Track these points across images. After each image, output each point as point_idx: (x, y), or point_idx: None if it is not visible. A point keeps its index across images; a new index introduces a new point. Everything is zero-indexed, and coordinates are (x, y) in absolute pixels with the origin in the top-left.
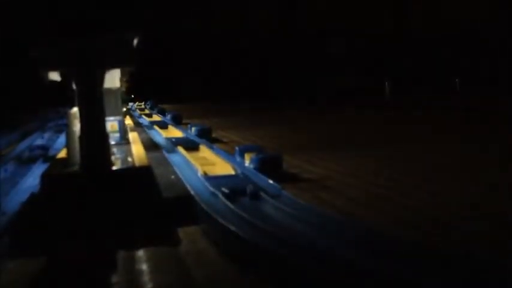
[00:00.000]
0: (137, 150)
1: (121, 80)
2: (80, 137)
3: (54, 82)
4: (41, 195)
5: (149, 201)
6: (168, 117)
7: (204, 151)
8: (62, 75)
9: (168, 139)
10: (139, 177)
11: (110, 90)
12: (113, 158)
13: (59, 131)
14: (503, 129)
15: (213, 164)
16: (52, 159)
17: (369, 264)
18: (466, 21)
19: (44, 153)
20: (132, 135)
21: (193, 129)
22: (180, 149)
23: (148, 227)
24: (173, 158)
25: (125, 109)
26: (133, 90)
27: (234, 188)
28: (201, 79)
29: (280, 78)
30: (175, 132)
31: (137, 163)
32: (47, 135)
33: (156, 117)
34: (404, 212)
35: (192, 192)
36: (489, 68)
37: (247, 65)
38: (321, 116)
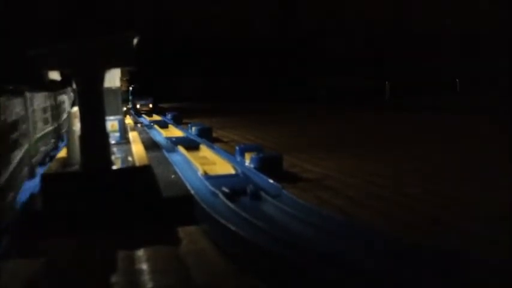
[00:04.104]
0: (137, 150)
1: (121, 80)
2: (80, 137)
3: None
4: (41, 194)
5: (149, 201)
6: (169, 116)
7: (205, 150)
8: (62, 74)
9: (168, 138)
10: (139, 177)
11: (110, 89)
12: (113, 157)
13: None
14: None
15: (213, 164)
16: (52, 159)
17: (369, 265)
18: (466, 21)
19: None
20: (132, 135)
21: (193, 128)
22: (181, 148)
23: (148, 227)
24: (173, 158)
25: (125, 108)
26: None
27: (234, 187)
28: (201, 79)
29: (279, 79)
30: (175, 132)
31: (137, 162)
32: None
33: (156, 117)
34: (403, 212)
35: (193, 192)
36: (490, 67)
37: (247, 65)
38: (321, 116)
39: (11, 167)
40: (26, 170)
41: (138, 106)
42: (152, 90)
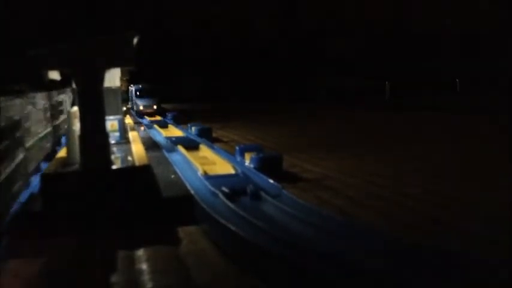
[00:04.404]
0: (137, 150)
1: (121, 79)
2: (80, 136)
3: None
4: (41, 194)
5: (149, 201)
6: (169, 116)
7: (204, 150)
8: (62, 74)
9: (168, 138)
10: (139, 177)
11: (110, 89)
12: (113, 157)
13: None
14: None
15: (213, 164)
16: (52, 158)
17: (369, 265)
18: (466, 21)
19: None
20: (132, 135)
21: (193, 128)
22: (180, 148)
23: (148, 227)
24: (173, 158)
25: (124, 108)
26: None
27: (234, 187)
28: (201, 79)
29: (279, 79)
30: (175, 132)
31: (137, 162)
32: None
33: (157, 117)
34: (403, 212)
35: (192, 192)
36: (490, 67)
37: (247, 65)
38: (321, 116)
39: (39, 136)
40: (48, 144)
41: (141, 108)
42: (154, 90)
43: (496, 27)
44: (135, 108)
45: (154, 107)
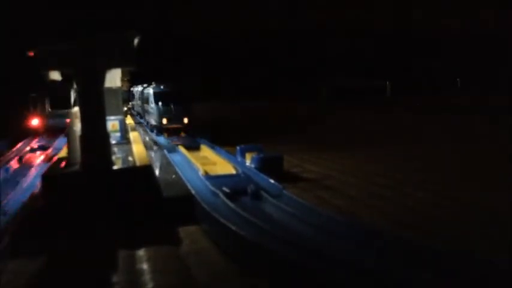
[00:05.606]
0: (138, 150)
1: (122, 80)
2: (81, 137)
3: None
4: (42, 194)
5: (150, 201)
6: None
7: (205, 150)
8: (62, 74)
9: (170, 139)
10: (140, 177)
11: (110, 89)
12: (113, 157)
13: None
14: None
15: (214, 164)
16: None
17: (369, 264)
18: (466, 21)
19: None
20: (133, 135)
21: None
22: (181, 148)
23: (149, 227)
24: (174, 158)
25: (125, 108)
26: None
27: (235, 187)
28: (201, 79)
29: (280, 78)
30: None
31: (138, 163)
32: None
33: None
34: (403, 211)
35: (193, 192)
36: (490, 67)
37: (248, 65)
38: (321, 116)
39: None
40: None
41: (164, 121)
42: (182, 95)
43: (496, 27)
44: (153, 123)
45: (186, 120)
